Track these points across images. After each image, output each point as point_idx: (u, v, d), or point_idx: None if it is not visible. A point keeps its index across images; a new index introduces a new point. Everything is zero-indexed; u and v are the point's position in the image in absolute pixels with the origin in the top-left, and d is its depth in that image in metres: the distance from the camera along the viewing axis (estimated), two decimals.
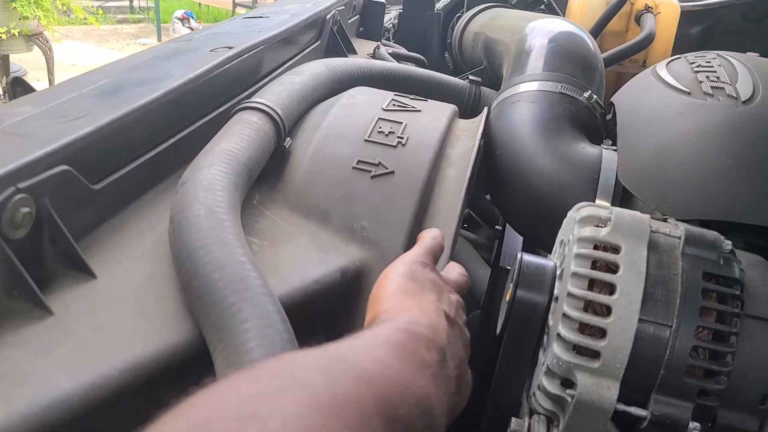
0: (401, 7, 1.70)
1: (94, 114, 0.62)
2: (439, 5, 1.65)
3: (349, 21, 1.39)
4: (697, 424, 0.54)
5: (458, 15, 1.61)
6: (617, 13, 1.48)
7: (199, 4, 8.39)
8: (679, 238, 0.58)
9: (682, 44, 1.77)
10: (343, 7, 1.30)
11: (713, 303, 0.56)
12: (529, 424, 0.60)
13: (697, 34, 1.81)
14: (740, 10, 1.84)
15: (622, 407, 0.55)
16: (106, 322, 0.51)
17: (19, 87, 0.88)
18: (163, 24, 7.63)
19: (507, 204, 0.89)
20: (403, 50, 1.44)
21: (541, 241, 0.88)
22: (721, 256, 0.57)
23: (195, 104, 0.77)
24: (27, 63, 5.57)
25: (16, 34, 3.61)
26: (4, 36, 3.55)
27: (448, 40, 1.62)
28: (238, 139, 0.70)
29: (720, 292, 0.56)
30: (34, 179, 0.51)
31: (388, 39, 1.68)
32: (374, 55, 1.29)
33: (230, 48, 0.86)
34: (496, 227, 1.15)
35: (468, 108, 1.13)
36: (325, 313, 0.65)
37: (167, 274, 0.57)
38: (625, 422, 0.57)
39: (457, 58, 1.58)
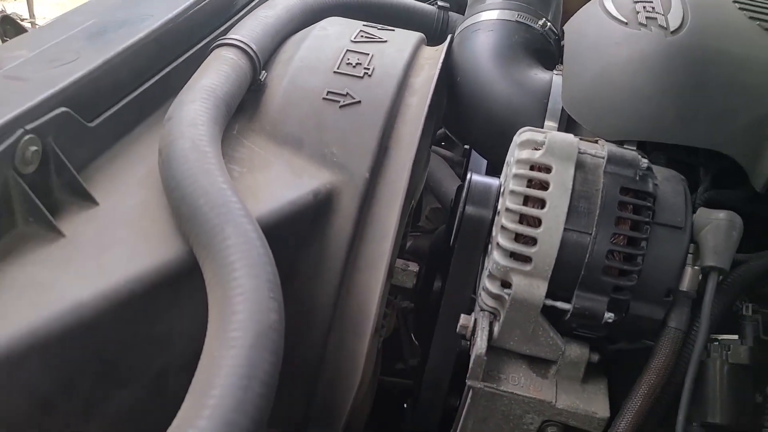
0: None
1: (83, 58, 0.69)
2: None
3: None
4: (611, 314, 0.65)
5: None
6: None
7: None
8: (603, 157, 0.67)
9: None
10: None
11: (628, 213, 0.66)
12: (476, 319, 0.71)
13: None
14: None
15: (550, 302, 0.66)
16: (111, 241, 0.60)
17: (8, 25, 0.93)
18: None
19: (467, 128, 0.97)
20: None
21: (499, 162, 0.97)
22: (638, 173, 0.66)
23: (176, 42, 0.83)
24: None
25: None
26: None
27: None
28: (216, 75, 0.77)
29: (635, 204, 0.66)
30: (38, 121, 0.59)
31: None
32: None
33: None
34: (465, 147, 1.23)
35: (436, 34, 1.18)
36: (299, 230, 0.75)
37: (160, 200, 0.65)
38: (553, 315, 0.68)
39: None
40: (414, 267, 0.92)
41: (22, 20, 3.54)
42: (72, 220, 0.61)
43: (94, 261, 0.58)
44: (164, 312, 0.62)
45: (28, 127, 0.58)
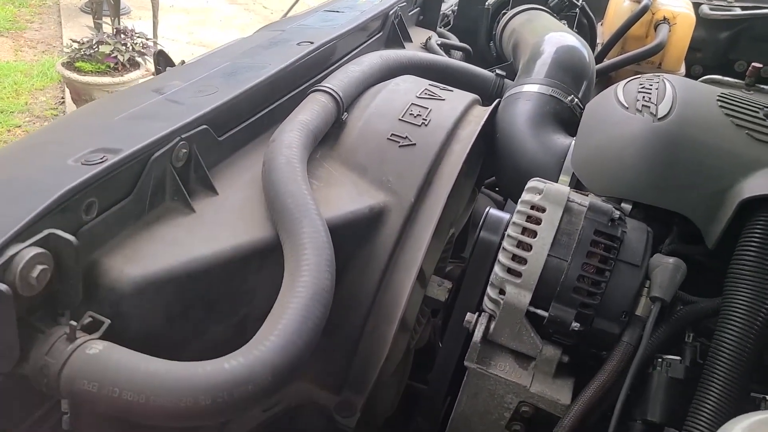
0: None
1: (220, 91, 0.97)
2: (490, 1, 1.92)
3: (410, 13, 1.69)
4: (577, 324, 0.86)
5: (504, 12, 1.88)
6: (640, 20, 1.72)
7: None
8: (586, 206, 0.89)
9: (709, 47, 1.99)
10: (405, 3, 1.60)
11: (599, 250, 0.87)
12: (478, 317, 0.93)
13: (724, 39, 2.01)
14: None
15: (532, 309, 0.88)
16: (224, 220, 0.87)
17: (161, 57, 1.23)
18: None
19: (500, 175, 1.20)
20: (453, 40, 1.73)
21: None
22: (610, 221, 0.88)
23: (284, 85, 1.10)
24: (130, 2, 6.07)
25: None
26: None
27: (494, 32, 1.90)
28: (310, 112, 1.04)
29: (605, 243, 0.87)
30: (188, 133, 0.87)
31: (447, 23, 1.97)
32: (426, 46, 1.59)
33: (311, 43, 1.20)
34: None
35: (492, 96, 1.43)
36: (355, 234, 0.99)
37: (259, 196, 0.92)
38: (534, 320, 0.89)
39: (498, 48, 1.86)
40: (448, 284, 1.14)
41: (148, 39, 4.01)
42: (200, 202, 0.88)
43: (211, 231, 0.84)
44: (252, 274, 0.88)
45: (183, 136, 0.85)
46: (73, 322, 0.65)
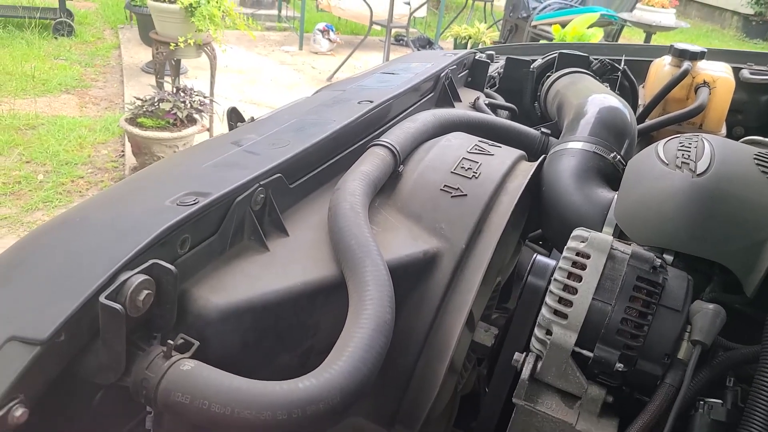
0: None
1: (291, 144, 1.08)
2: (534, 65, 2.03)
3: (459, 75, 1.81)
4: (621, 365, 0.91)
5: (548, 74, 1.98)
6: (681, 84, 1.80)
7: (339, 18, 9.10)
8: (628, 254, 0.96)
9: (750, 110, 2.05)
10: (455, 66, 1.72)
11: (641, 295, 0.93)
12: (526, 356, 0.99)
13: (765, 101, 2.07)
14: None
15: (578, 349, 0.93)
16: (294, 259, 0.96)
17: (233, 114, 1.36)
18: (306, 33, 8.40)
19: (546, 225, 1.27)
20: (499, 100, 1.84)
21: None
22: (651, 268, 0.94)
23: (346, 139, 1.21)
24: (188, 62, 6.42)
25: (191, 43, 4.32)
26: (182, 45, 4.28)
27: (538, 93, 2.00)
28: (370, 164, 1.14)
29: (647, 288, 0.93)
30: (265, 180, 0.97)
31: (493, 85, 2.09)
32: (474, 105, 1.70)
33: (371, 102, 1.31)
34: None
35: (537, 152, 1.51)
36: (411, 276, 1.07)
37: (325, 238, 1.01)
38: (580, 360, 0.94)
39: (542, 108, 1.96)
40: (494, 330, 1.21)
41: (205, 97, 4.25)
42: (273, 242, 0.97)
43: (283, 268, 0.94)
44: (318, 309, 0.96)
45: (261, 183, 0.96)
46: (170, 341, 0.74)
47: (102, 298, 0.68)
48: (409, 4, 8.05)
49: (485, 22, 9.24)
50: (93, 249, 0.77)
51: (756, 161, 1.04)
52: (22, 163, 4.45)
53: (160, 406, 0.71)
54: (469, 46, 8.20)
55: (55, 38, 7.20)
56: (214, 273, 0.87)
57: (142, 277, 0.72)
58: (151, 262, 0.74)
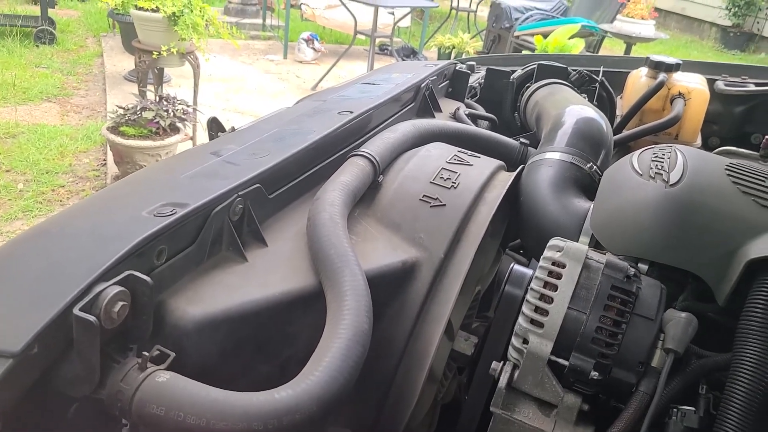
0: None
1: (271, 154, 1.08)
2: (514, 75, 2.05)
3: (440, 86, 1.82)
4: (596, 373, 0.92)
5: (527, 85, 2.00)
6: (657, 95, 1.83)
7: (323, 27, 9.12)
8: (603, 263, 0.97)
9: (725, 121, 2.08)
10: (435, 77, 1.73)
11: (615, 303, 0.94)
12: (503, 365, 1.00)
13: (739, 112, 2.11)
14: None
15: (553, 358, 0.94)
16: (273, 269, 0.96)
17: (214, 123, 1.36)
18: (290, 42, 8.41)
19: (524, 235, 1.28)
20: (480, 110, 1.85)
21: None
22: (626, 277, 0.95)
23: (326, 149, 1.22)
24: (171, 71, 6.39)
25: (174, 52, 4.31)
26: (165, 53, 4.27)
27: (518, 104, 2.02)
28: (349, 174, 1.14)
29: (621, 297, 0.94)
30: (244, 191, 0.97)
31: (474, 95, 2.11)
32: (454, 115, 1.71)
33: (351, 112, 1.32)
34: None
35: (516, 162, 1.53)
36: (389, 286, 1.08)
37: (304, 248, 1.01)
38: (556, 369, 0.95)
39: (522, 118, 1.98)
40: (474, 339, 1.21)
41: (188, 105, 4.24)
42: (252, 253, 0.98)
43: (262, 278, 0.94)
44: (297, 319, 0.96)
45: (240, 193, 0.96)
46: (145, 353, 0.74)
47: (76, 310, 0.68)
48: (393, 14, 8.11)
49: (469, 32, 9.31)
50: (69, 259, 0.77)
51: (727, 172, 1.06)
52: (2, 172, 4.41)
53: (135, 418, 0.71)
54: (452, 55, 8.26)
55: (37, 46, 7.15)
56: (192, 284, 0.87)
57: (118, 288, 0.72)
58: (126, 273, 0.74)
